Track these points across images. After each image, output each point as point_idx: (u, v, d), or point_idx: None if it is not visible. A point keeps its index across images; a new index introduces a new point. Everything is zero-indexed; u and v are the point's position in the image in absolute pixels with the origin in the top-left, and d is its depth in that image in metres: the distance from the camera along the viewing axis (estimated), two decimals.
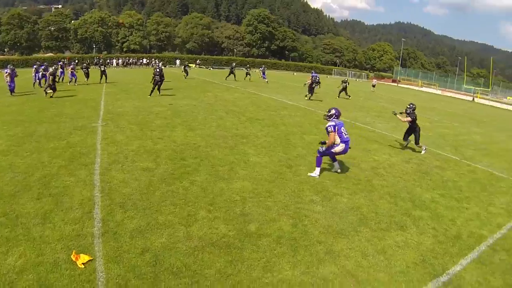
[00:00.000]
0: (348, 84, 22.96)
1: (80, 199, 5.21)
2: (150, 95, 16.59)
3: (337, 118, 6.73)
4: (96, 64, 37.48)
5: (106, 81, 22.93)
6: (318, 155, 6.79)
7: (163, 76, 17.42)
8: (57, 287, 3.35)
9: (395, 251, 4.41)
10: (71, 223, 4.53)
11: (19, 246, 3.95)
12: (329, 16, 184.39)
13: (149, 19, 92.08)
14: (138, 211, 4.95)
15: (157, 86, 17.05)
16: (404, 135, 9.96)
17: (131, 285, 3.46)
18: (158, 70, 17.25)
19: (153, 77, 17.12)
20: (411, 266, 4.13)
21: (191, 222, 4.72)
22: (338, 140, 6.58)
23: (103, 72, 23.23)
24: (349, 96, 22.47)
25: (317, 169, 6.81)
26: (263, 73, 29.17)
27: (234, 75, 29.10)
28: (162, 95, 17.09)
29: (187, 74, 28.82)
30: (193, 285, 3.54)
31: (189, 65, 58.75)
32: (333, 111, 6.73)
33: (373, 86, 35.74)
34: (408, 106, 9.56)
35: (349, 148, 6.77)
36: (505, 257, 4.55)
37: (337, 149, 6.65)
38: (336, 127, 6.54)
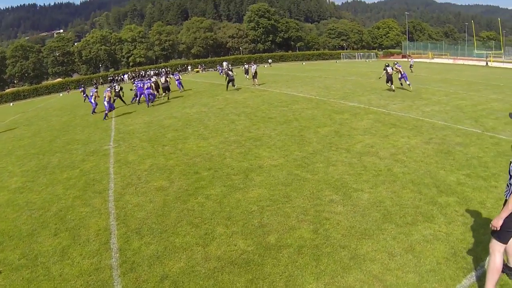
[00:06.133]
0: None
1: (96, 230, 5.19)
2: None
3: None
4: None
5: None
6: None
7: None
8: None
9: (423, 247, 4.12)
10: (89, 256, 4.51)
11: None
12: (329, 0, 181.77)
13: (150, 30, 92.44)
14: (154, 235, 4.88)
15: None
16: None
17: None
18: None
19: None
20: (442, 262, 3.83)
21: (209, 241, 4.61)
22: None
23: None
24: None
25: None
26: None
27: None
28: (169, 102, 17.81)
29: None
30: None
31: (195, 69, 58.59)
32: None
33: (411, 66, 29.72)
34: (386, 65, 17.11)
35: None
36: None
37: None
38: None
